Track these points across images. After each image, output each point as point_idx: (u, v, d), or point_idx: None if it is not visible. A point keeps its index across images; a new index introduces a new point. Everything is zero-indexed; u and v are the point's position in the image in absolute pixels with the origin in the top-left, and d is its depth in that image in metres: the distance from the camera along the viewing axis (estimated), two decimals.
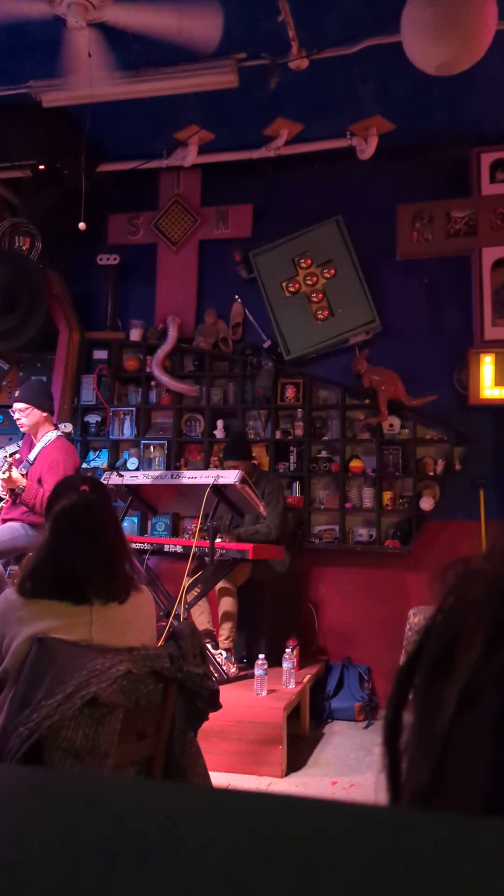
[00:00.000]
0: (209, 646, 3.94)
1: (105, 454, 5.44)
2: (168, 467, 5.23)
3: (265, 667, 3.72)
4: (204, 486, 3.84)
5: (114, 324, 5.52)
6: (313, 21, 3.70)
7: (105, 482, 3.92)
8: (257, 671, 3.71)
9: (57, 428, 4.26)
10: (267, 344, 5.18)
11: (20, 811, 0.28)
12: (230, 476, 3.82)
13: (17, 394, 4.18)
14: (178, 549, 4.17)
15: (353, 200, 5.10)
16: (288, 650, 3.94)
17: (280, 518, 4.51)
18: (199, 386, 5.33)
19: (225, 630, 4.22)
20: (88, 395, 5.43)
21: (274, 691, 3.74)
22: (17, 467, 4.01)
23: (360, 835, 0.26)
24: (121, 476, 4.20)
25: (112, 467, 5.13)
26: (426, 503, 4.79)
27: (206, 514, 3.80)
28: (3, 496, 4.07)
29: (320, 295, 5.07)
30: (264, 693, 3.69)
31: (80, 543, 1.80)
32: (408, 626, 4.20)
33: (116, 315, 5.54)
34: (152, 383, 5.40)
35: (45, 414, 4.13)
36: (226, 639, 4.21)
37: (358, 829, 0.26)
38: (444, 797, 0.37)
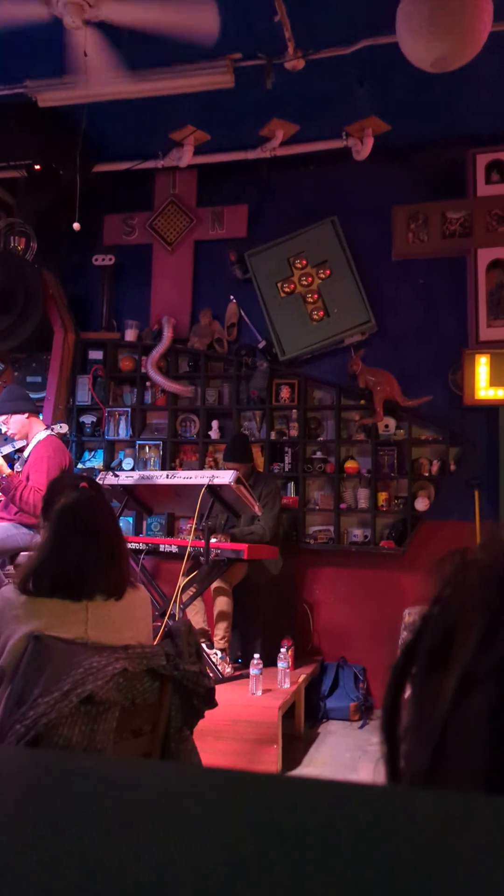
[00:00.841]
0: (204, 645, 3.94)
1: (100, 454, 5.44)
2: (163, 467, 5.23)
3: (260, 666, 3.72)
4: (199, 487, 3.84)
5: (109, 324, 5.51)
6: (309, 21, 3.71)
7: (101, 482, 3.92)
8: (252, 671, 3.71)
9: (49, 427, 4.27)
10: (262, 344, 5.18)
11: (25, 789, 0.28)
12: (225, 476, 3.82)
13: None
14: (174, 548, 4.17)
15: (349, 201, 5.11)
16: (283, 650, 3.94)
17: (275, 520, 4.51)
18: (194, 386, 5.33)
19: (220, 630, 4.22)
20: (84, 395, 5.43)
21: (269, 691, 3.74)
22: (16, 465, 4.02)
23: (359, 811, 0.26)
24: (116, 476, 4.20)
25: (107, 467, 5.12)
26: (421, 504, 4.80)
27: (202, 515, 3.80)
28: None
29: (316, 295, 5.08)
30: (259, 693, 3.69)
31: (83, 539, 1.81)
32: (402, 627, 4.20)
33: (112, 315, 5.53)
34: (147, 384, 5.40)
35: (26, 416, 4.12)
36: (221, 639, 4.21)
37: (358, 805, 0.26)
38: (441, 782, 0.37)
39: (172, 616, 3.71)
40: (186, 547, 3.79)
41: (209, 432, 5.25)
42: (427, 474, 4.86)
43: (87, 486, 1.89)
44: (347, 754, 3.78)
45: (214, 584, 4.21)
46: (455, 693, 0.37)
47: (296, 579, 4.94)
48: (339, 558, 4.96)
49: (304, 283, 5.10)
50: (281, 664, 3.90)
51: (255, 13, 3.63)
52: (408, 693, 0.41)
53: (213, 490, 3.83)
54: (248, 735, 3.44)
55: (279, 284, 5.13)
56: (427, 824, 0.25)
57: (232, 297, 5.33)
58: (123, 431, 5.39)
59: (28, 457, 4.05)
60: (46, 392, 5.23)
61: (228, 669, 4.09)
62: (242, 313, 5.30)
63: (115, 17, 3.28)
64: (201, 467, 5.14)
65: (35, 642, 1.66)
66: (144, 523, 5.15)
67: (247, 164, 5.02)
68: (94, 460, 5.43)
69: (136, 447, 5.35)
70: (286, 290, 5.12)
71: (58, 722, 1.55)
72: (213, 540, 3.92)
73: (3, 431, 4.21)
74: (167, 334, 5.25)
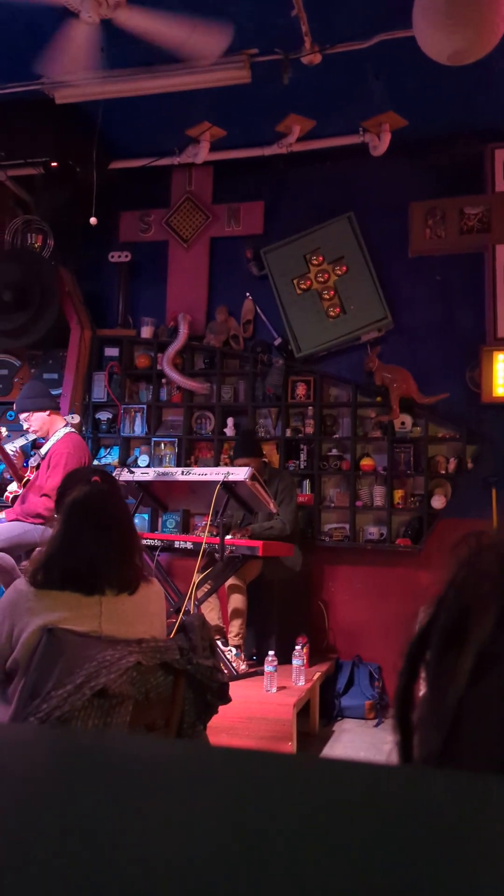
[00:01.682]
0: (219, 642, 3.94)
1: (116, 451, 5.45)
2: (178, 464, 5.23)
3: (275, 664, 3.71)
4: (214, 483, 3.84)
5: (125, 321, 5.52)
6: (326, 15, 3.68)
7: (116, 478, 3.93)
8: (267, 668, 3.70)
9: (67, 424, 4.27)
10: (278, 341, 5.17)
11: (37, 766, 0.27)
12: (240, 473, 3.81)
13: (14, 407, 4.20)
14: (189, 545, 4.16)
15: (366, 197, 5.08)
16: (298, 647, 3.93)
17: (293, 514, 4.50)
18: (210, 383, 5.33)
19: (235, 627, 4.22)
20: (100, 392, 5.44)
21: (284, 688, 3.73)
22: (21, 462, 4.05)
23: (373, 792, 0.25)
24: (132, 473, 4.20)
25: (123, 464, 5.13)
26: (438, 502, 4.76)
27: (216, 511, 3.80)
28: (11, 492, 4.10)
29: (332, 292, 5.06)
30: (274, 690, 3.68)
31: (94, 533, 1.80)
32: (418, 625, 4.18)
33: (127, 312, 5.54)
34: (163, 381, 5.40)
35: (46, 413, 4.12)
36: (236, 636, 4.20)
37: (372, 786, 0.25)
38: (455, 765, 0.36)
39: (187, 612, 3.71)
40: (201, 544, 3.79)
41: (224, 429, 5.25)
42: (444, 472, 4.83)
43: (98, 480, 1.89)
44: (362, 753, 3.76)
45: (229, 582, 4.21)
46: (471, 673, 0.36)
47: (311, 577, 4.93)
48: (354, 556, 4.93)
49: (321, 279, 5.08)
50: (296, 662, 3.88)
51: (272, 8, 3.62)
52: (421, 680, 0.40)
53: (228, 487, 3.82)
54: (263, 732, 3.43)
55: (295, 281, 5.12)
56: (442, 807, 0.24)
57: (248, 293, 5.32)
58: (139, 428, 5.40)
59: (47, 454, 4.06)
60: (62, 389, 5.25)
61: (243, 666, 4.08)
62: (258, 310, 5.29)
63: (129, 22, 3.28)
64: (216, 464, 5.13)
65: (49, 635, 1.66)
66: (160, 520, 5.15)
67: (263, 161, 5.00)
68: (110, 457, 5.44)
69: (152, 444, 5.35)
70: (302, 286, 5.11)
71: (71, 715, 1.55)
72: (227, 537, 3.92)
73: (24, 428, 4.23)
74: (183, 331, 5.25)
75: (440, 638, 0.39)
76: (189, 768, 0.26)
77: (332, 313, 5.05)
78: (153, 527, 5.17)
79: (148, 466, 5.11)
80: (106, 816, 0.23)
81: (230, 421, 5.25)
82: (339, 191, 5.14)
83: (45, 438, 4.16)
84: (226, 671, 3.70)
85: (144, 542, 4.01)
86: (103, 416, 5.48)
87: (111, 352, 5.47)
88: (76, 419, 4.52)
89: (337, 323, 5.04)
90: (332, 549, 4.95)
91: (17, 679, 1.71)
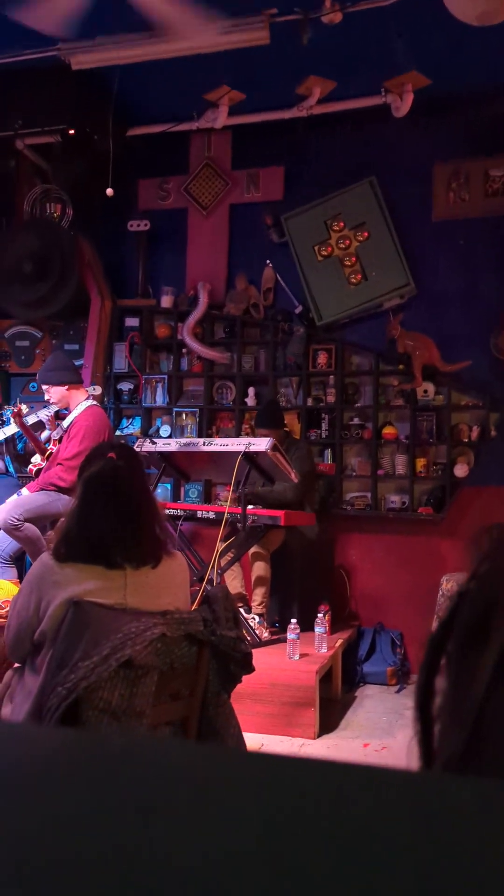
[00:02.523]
0: (242, 610, 3.98)
1: (138, 422, 5.48)
2: (200, 434, 5.24)
3: (297, 631, 3.75)
4: (235, 454, 3.85)
5: (145, 291, 5.50)
6: None
7: (138, 449, 3.95)
8: (290, 635, 3.74)
9: (89, 396, 4.29)
10: (299, 309, 5.12)
11: (61, 770, 0.28)
12: (261, 443, 3.82)
13: (36, 377, 4.23)
14: (211, 515, 4.19)
15: (388, 160, 4.98)
16: (320, 615, 3.97)
17: (301, 482, 4.44)
18: (231, 353, 5.31)
19: (258, 595, 4.26)
20: (121, 362, 5.45)
21: (306, 655, 3.78)
22: (54, 430, 4.09)
23: (399, 799, 0.26)
24: (153, 443, 4.22)
25: (145, 434, 5.16)
26: (460, 470, 4.74)
27: (238, 482, 3.81)
28: (35, 464, 4.16)
29: (353, 258, 4.99)
30: (297, 657, 3.73)
31: (107, 509, 1.83)
32: (440, 593, 4.19)
33: (147, 282, 5.51)
34: (184, 351, 5.39)
35: (65, 388, 4.14)
36: (259, 604, 4.25)
37: (397, 794, 0.26)
38: (478, 765, 0.36)
39: (210, 581, 3.75)
40: (223, 513, 3.81)
41: (245, 399, 5.24)
42: (466, 440, 4.79)
43: (114, 456, 1.90)
44: (384, 718, 3.80)
45: (252, 550, 4.24)
46: (493, 674, 0.36)
47: (333, 545, 4.95)
48: (376, 524, 4.94)
49: (342, 246, 5.01)
50: (318, 629, 3.92)
51: None
52: (443, 672, 0.41)
53: (249, 457, 3.83)
54: (286, 698, 3.49)
55: (316, 248, 5.05)
56: (465, 815, 0.24)
57: (268, 261, 5.26)
58: (160, 398, 5.41)
59: (68, 427, 4.10)
60: (84, 360, 5.26)
61: (266, 634, 4.13)
62: (279, 278, 5.23)
63: None
64: (238, 434, 5.14)
65: (75, 608, 1.70)
66: (182, 490, 5.19)
67: (282, 125, 4.91)
68: (132, 427, 5.47)
69: (173, 414, 5.37)
70: (323, 253, 5.04)
71: (98, 685, 1.58)
72: (249, 507, 3.94)
73: (44, 399, 4.26)
74: (203, 300, 5.22)
75: (463, 633, 0.39)
76: (214, 773, 0.26)
77: (353, 280, 4.99)
78: (176, 496, 5.20)
79: (170, 437, 5.13)
80: (130, 822, 0.24)
81: (251, 391, 5.24)
82: (361, 154, 5.04)
83: (69, 410, 4.19)
84: (249, 638, 3.75)
85: (167, 511, 4.04)
86: (125, 386, 5.49)
87: (132, 322, 5.46)
88: (98, 390, 4.54)
89: (358, 290, 4.98)
90: (353, 517, 4.96)
91: (44, 650, 1.75)
